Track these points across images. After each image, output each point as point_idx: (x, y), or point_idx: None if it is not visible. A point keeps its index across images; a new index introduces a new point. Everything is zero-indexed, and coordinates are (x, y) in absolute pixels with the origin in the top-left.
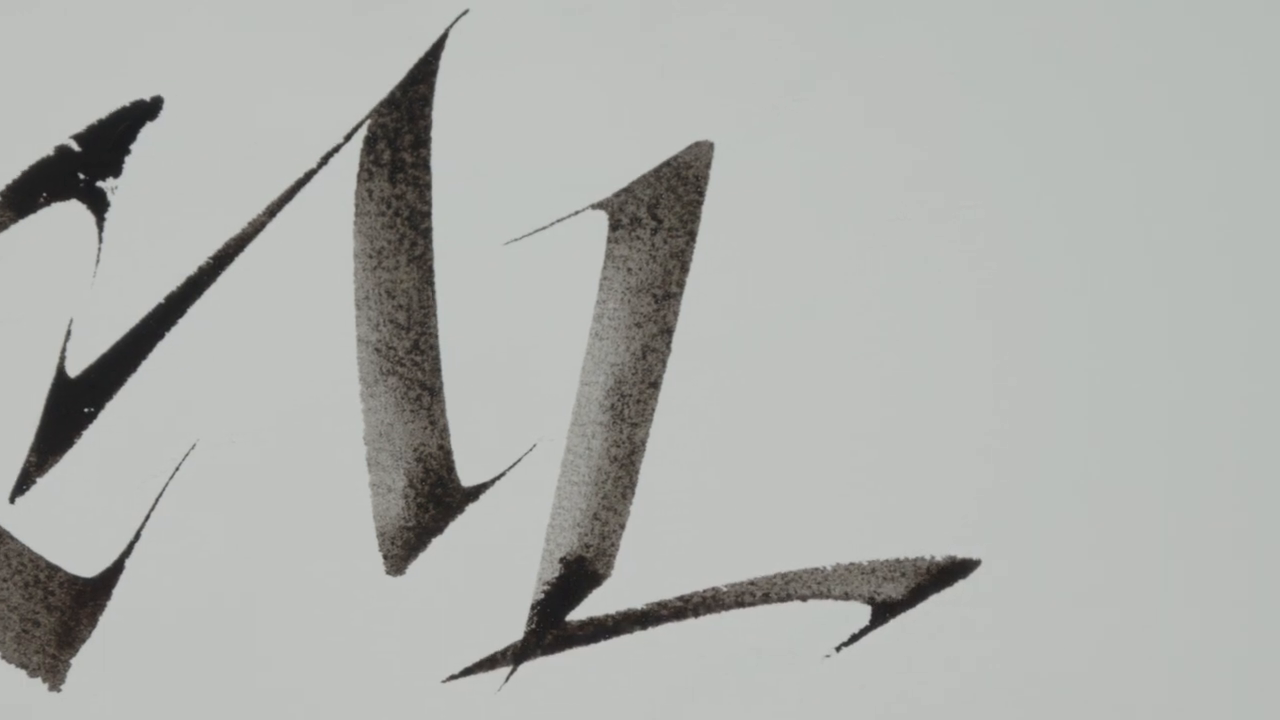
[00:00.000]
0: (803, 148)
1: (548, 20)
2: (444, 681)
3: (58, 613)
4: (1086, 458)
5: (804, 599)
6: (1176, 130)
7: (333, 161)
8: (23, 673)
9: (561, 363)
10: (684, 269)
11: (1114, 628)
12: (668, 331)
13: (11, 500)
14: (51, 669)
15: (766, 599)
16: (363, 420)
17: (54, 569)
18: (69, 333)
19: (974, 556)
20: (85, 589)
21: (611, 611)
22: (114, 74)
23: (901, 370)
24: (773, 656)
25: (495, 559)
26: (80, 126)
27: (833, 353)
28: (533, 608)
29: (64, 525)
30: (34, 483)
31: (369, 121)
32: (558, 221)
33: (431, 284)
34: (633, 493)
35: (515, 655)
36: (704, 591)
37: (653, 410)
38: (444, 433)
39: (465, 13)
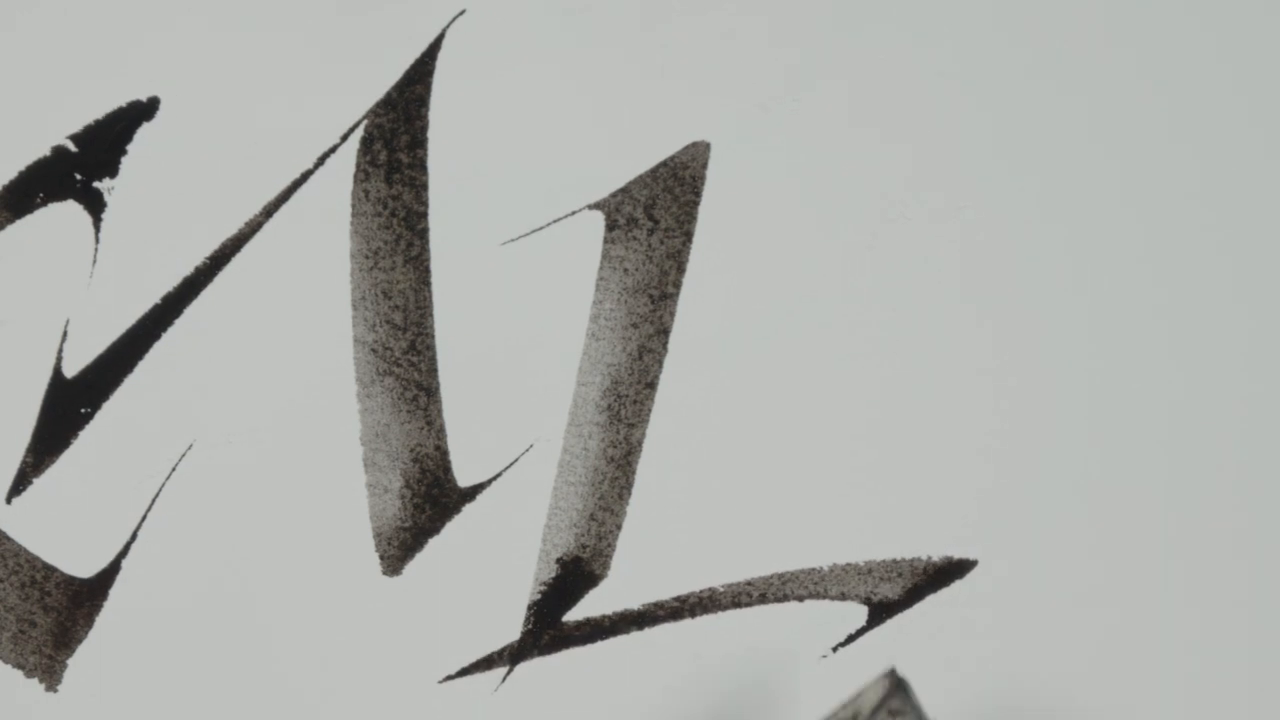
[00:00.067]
0: (801, 148)
1: (546, 20)
2: (440, 682)
3: (54, 613)
4: (1085, 458)
5: (800, 599)
6: (1175, 130)
7: (329, 162)
8: (19, 673)
9: (558, 363)
10: (680, 270)
11: (1113, 628)
12: (664, 332)
13: (8, 500)
14: (48, 670)
15: (763, 599)
16: (359, 421)
17: (50, 569)
18: (65, 333)
19: (973, 557)
20: (82, 589)
21: (608, 612)
22: (113, 74)
23: (899, 371)
24: (769, 657)
25: (492, 559)
26: (81, 127)
27: (830, 353)
28: (529, 608)
29: (60, 525)
30: (30, 483)
31: (365, 122)
32: (554, 222)
33: (428, 284)
34: (629, 493)
35: (512, 656)
36: (700, 592)
37: (649, 411)
38: (440, 433)
39: (462, 13)
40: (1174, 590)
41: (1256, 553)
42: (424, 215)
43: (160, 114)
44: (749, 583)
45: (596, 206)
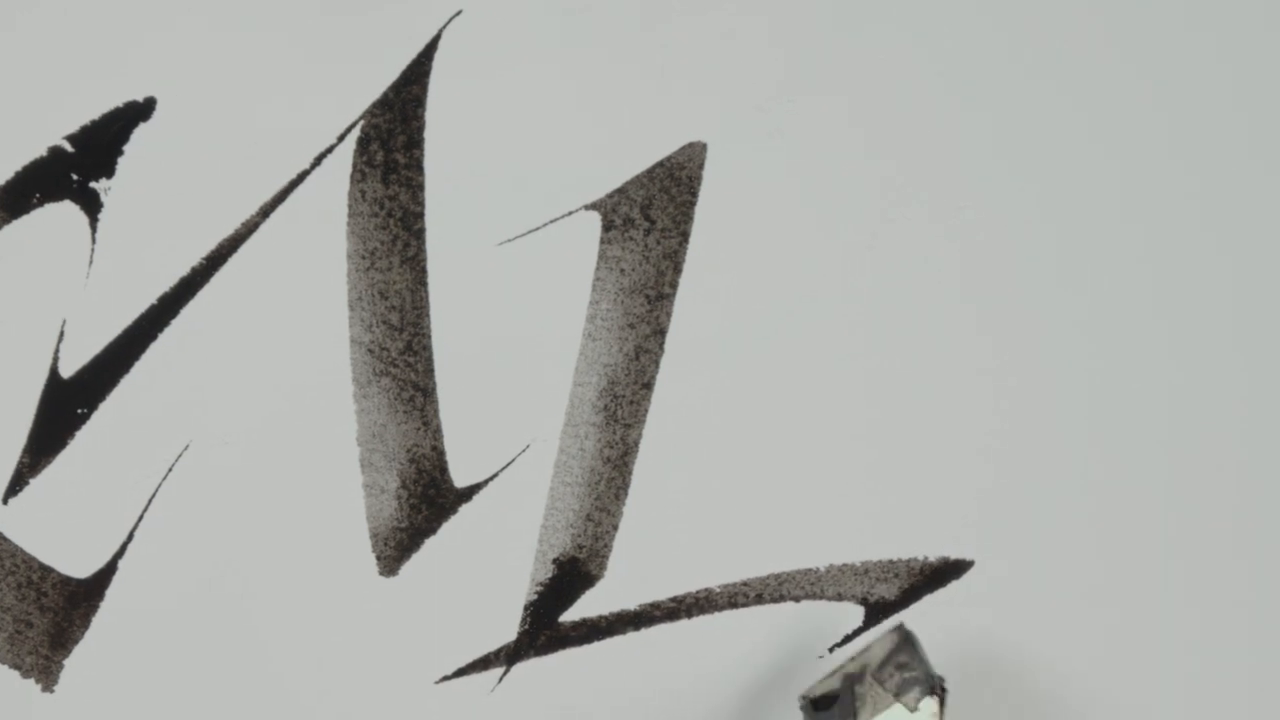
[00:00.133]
0: (802, 148)
1: (545, 20)
2: (437, 683)
3: (51, 614)
4: (1084, 458)
5: (797, 600)
6: (1174, 131)
7: (326, 162)
8: (16, 674)
9: (555, 364)
10: (677, 270)
11: (1112, 628)
12: (661, 332)
13: (4, 501)
14: (45, 670)
15: (760, 600)
16: (356, 421)
17: (47, 570)
18: (62, 333)
19: (972, 557)
20: (78, 590)
21: (605, 612)
22: (110, 75)
23: (897, 371)
24: (766, 657)
25: (488, 560)
26: (77, 128)
27: (827, 354)
28: (526, 608)
29: (57, 526)
30: (27, 483)
31: (362, 122)
32: (551, 222)
33: (425, 285)
34: (626, 493)
35: (508, 656)
36: (697, 592)
37: (646, 411)
38: (437, 433)
39: (458, 13)
40: (1173, 590)
41: (1256, 553)
42: (420, 216)
43: (157, 114)
44: (745, 583)
45: (593, 207)
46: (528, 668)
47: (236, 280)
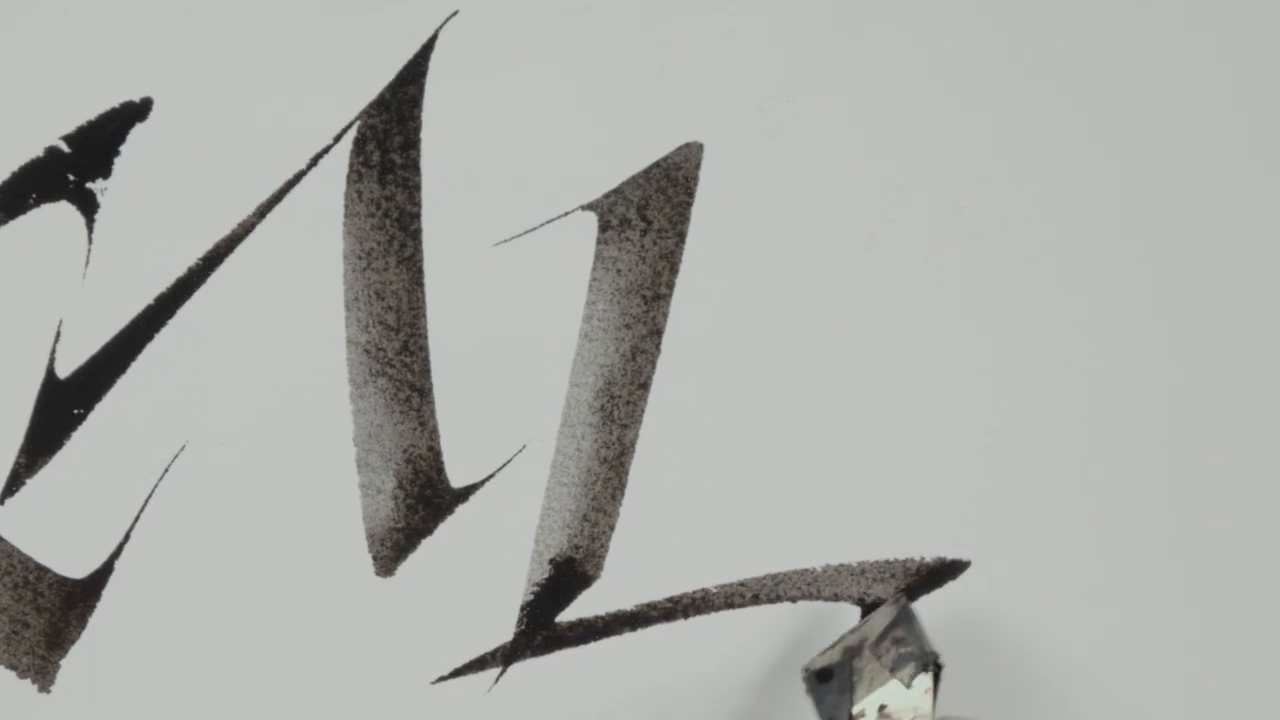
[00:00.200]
0: (801, 148)
1: (544, 20)
2: (433, 683)
3: (47, 614)
4: (1083, 458)
5: (794, 600)
6: (1174, 131)
7: (322, 163)
8: (12, 674)
9: (551, 364)
10: (673, 270)
11: (1111, 628)
12: (657, 333)
13: (1, 501)
14: (41, 670)
15: (756, 600)
16: (352, 422)
17: (43, 570)
18: (59, 334)
19: (970, 558)
20: (75, 590)
21: (601, 613)
22: (107, 75)
23: (896, 371)
24: (763, 657)
25: (485, 560)
26: (74, 128)
27: (824, 354)
28: (522, 609)
29: (53, 526)
30: (23, 484)
31: (358, 123)
32: (547, 223)
33: (421, 285)
34: (622, 494)
35: (505, 656)
36: (694, 592)
37: (642, 411)
38: (433, 434)
39: (455, 14)
40: (1172, 590)
41: (1254, 553)
42: (417, 216)
43: (153, 114)
44: (742, 583)
45: (589, 207)
46: (524, 668)
47: (233, 281)
